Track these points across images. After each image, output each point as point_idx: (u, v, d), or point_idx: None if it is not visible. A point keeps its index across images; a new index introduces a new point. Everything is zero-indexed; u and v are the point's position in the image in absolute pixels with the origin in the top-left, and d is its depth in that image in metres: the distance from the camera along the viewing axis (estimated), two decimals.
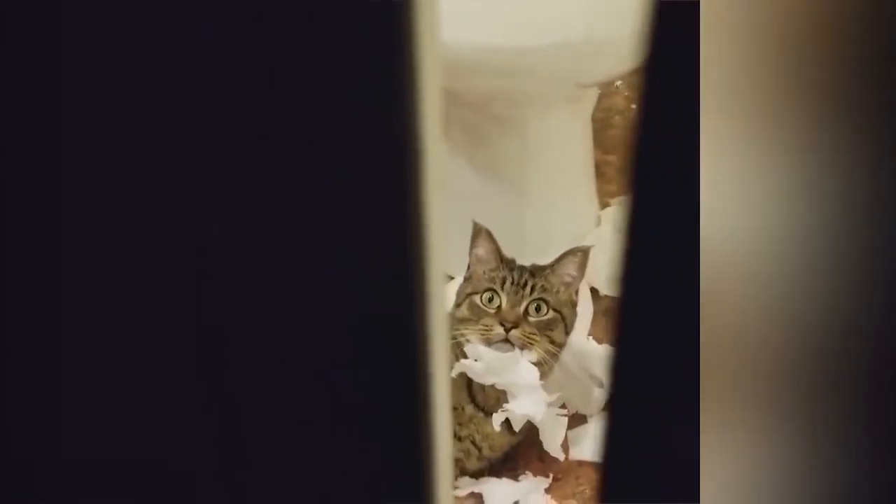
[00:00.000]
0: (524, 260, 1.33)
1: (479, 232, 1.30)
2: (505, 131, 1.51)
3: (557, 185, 1.55)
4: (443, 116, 0.44)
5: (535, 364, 1.22)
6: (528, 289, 1.25)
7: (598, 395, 1.34)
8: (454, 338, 1.22)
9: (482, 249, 1.29)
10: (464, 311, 1.26)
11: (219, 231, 0.41)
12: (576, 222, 1.57)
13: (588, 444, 1.28)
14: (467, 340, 1.22)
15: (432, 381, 0.46)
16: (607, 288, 1.52)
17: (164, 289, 0.41)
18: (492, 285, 1.25)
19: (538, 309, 1.24)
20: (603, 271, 1.50)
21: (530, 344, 1.22)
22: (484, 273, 1.28)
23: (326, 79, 0.40)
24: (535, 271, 1.28)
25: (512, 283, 1.25)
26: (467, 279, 1.30)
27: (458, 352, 1.23)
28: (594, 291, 1.50)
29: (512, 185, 1.53)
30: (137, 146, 0.39)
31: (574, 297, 1.29)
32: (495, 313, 1.23)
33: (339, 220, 0.43)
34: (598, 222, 1.61)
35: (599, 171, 1.67)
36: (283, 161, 0.41)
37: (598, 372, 1.36)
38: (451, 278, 1.42)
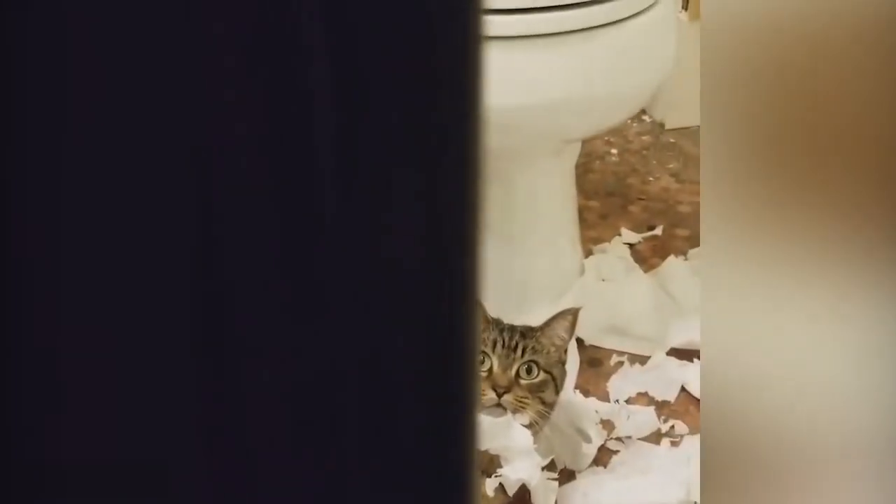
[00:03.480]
0: (509, 312, 1.34)
1: None
2: (488, 183, 1.52)
3: (541, 235, 1.57)
4: None
5: (526, 426, 1.23)
6: (519, 351, 1.26)
7: (586, 451, 1.35)
8: None
9: None
10: None
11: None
12: (560, 272, 1.59)
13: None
14: None
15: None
16: (592, 338, 1.54)
17: (164, 287, 0.41)
18: (483, 347, 1.26)
19: (529, 371, 1.25)
20: (588, 321, 1.51)
21: (522, 408, 1.23)
22: None
23: None
24: (526, 332, 1.29)
25: (503, 345, 1.26)
26: None
27: None
28: (580, 342, 1.52)
29: (496, 235, 1.55)
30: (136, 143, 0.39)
31: (563, 357, 1.31)
32: (487, 377, 1.24)
33: None
34: (582, 271, 1.62)
35: (581, 217, 1.68)
36: None
37: (584, 426, 1.38)
38: None
